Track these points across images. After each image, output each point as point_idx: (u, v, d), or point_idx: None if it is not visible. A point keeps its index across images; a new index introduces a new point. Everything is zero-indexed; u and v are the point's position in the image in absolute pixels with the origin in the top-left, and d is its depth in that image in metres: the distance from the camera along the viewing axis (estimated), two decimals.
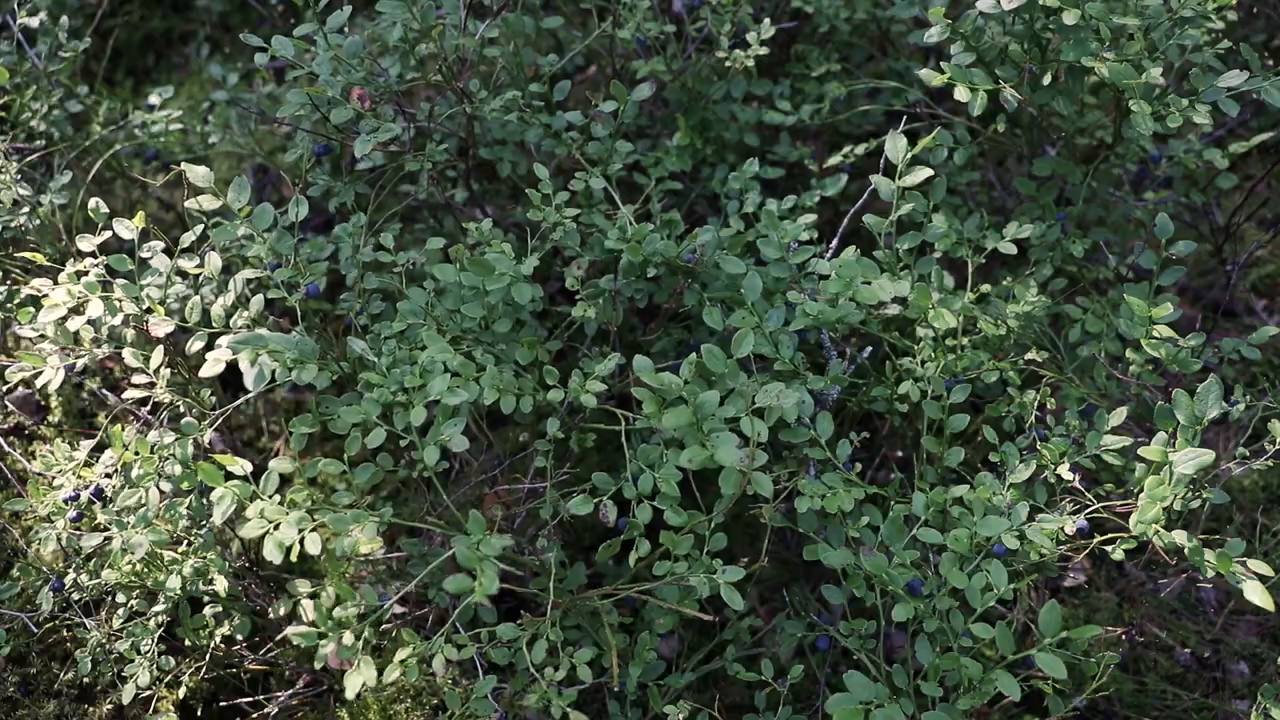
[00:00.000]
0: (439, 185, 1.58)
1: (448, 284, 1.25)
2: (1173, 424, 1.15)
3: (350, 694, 1.10)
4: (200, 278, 1.38)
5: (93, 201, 1.32)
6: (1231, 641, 1.49)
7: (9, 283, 1.45)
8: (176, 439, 1.27)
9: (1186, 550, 1.09)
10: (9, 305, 1.41)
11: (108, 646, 1.35)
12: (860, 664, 1.25)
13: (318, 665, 1.16)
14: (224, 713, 1.48)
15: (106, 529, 1.27)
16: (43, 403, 1.74)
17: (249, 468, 1.19)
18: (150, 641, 1.33)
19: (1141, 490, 1.13)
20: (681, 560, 1.17)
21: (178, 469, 1.25)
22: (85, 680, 1.45)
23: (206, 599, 1.38)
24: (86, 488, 1.29)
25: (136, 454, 1.25)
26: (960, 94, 1.27)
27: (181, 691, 1.40)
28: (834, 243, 1.41)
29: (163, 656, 1.35)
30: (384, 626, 1.50)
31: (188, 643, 1.37)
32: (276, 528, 1.15)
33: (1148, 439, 1.17)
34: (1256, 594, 1.05)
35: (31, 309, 1.31)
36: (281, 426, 1.77)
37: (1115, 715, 1.43)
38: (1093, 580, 1.55)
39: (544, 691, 1.16)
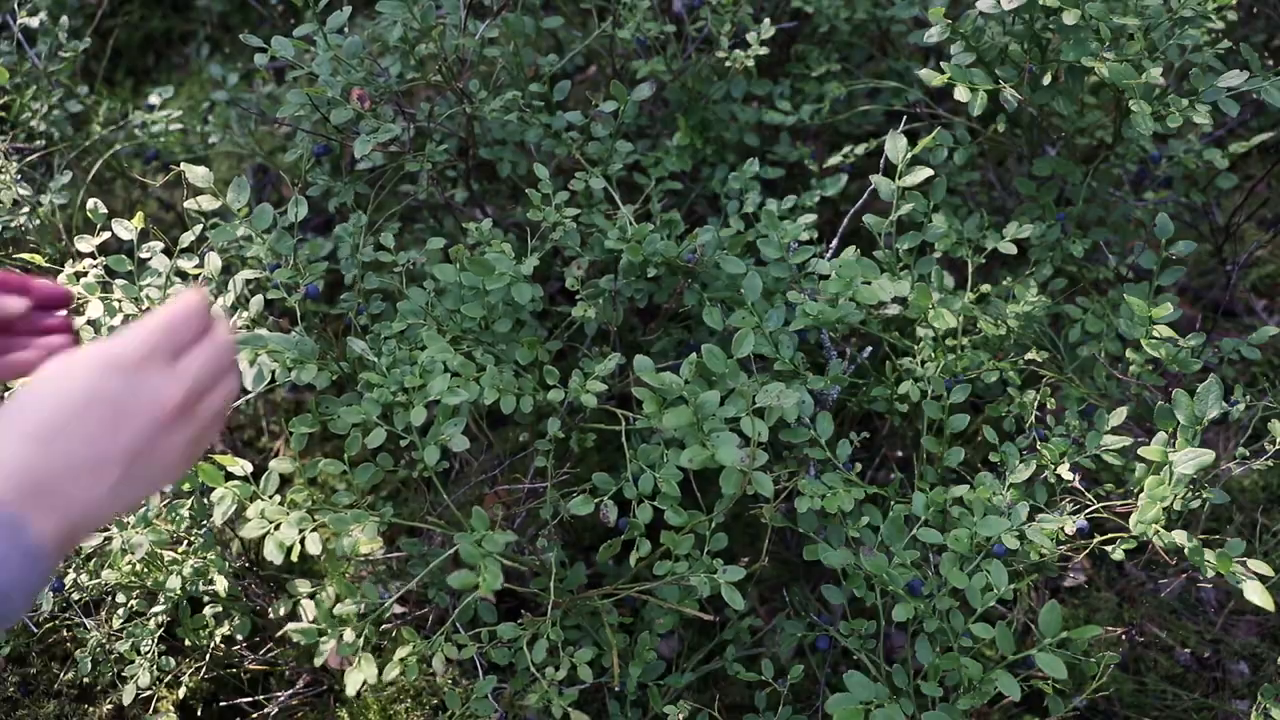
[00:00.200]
0: (439, 185, 1.58)
1: (448, 284, 1.25)
2: (1173, 424, 1.15)
3: (351, 691, 1.10)
4: (199, 278, 1.38)
5: (91, 202, 1.32)
6: (1231, 641, 1.49)
7: None
8: None
9: (1186, 550, 1.09)
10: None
11: (108, 646, 1.35)
12: (860, 664, 1.25)
13: (317, 663, 1.16)
14: (224, 713, 1.48)
15: (106, 529, 1.27)
16: None
17: (249, 468, 1.19)
18: (150, 641, 1.33)
19: (1141, 490, 1.13)
20: (682, 560, 1.17)
21: None
22: (85, 680, 1.45)
23: (206, 599, 1.38)
24: None
25: None
26: (960, 94, 1.27)
27: (181, 691, 1.40)
28: (834, 243, 1.41)
29: (163, 656, 1.35)
30: (384, 626, 1.51)
31: (188, 643, 1.37)
32: (277, 528, 1.15)
33: (1148, 439, 1.17)
34: (1256, 594, 1.05)
35: None
36: (281, 427, 1.77)
37: (1115, 715, 1.43)
38: (1093, 580, 1.55)
39: (544, 691, 1.16)
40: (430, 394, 1.14)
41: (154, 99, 1.85)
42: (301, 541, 1.15)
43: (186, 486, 1.29)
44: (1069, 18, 1.21)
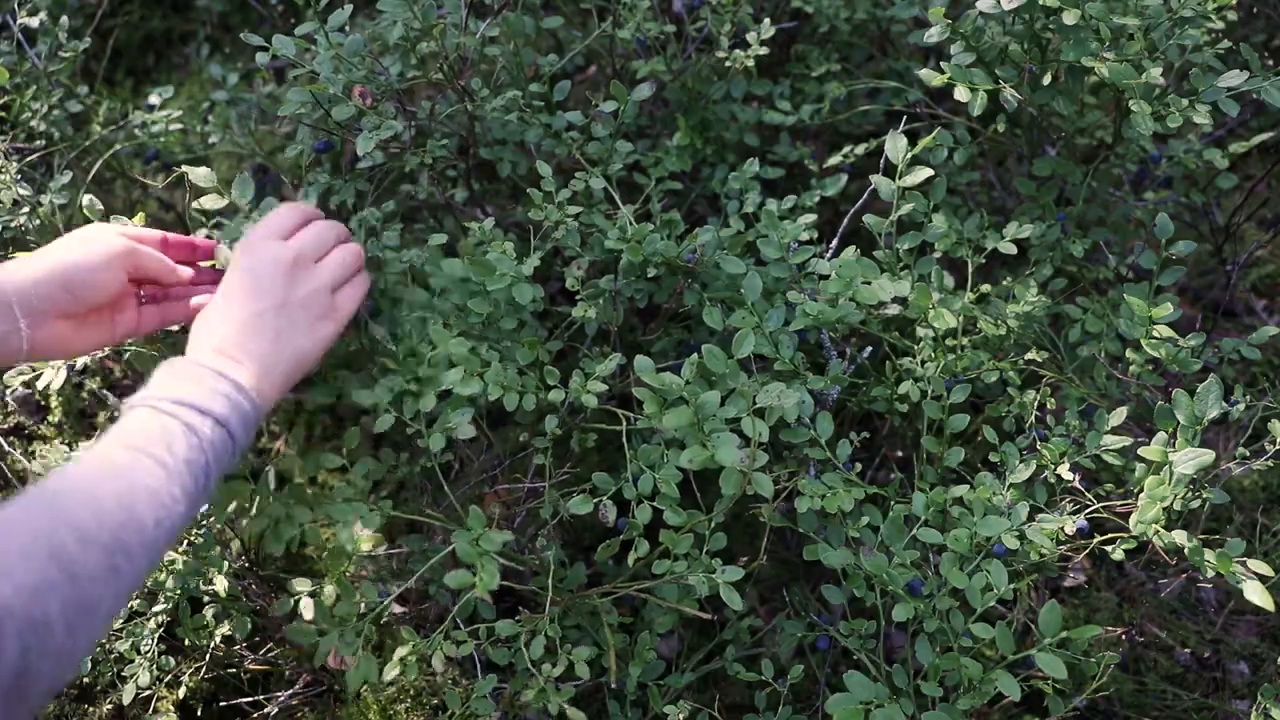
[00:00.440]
0: (439, 185, 1.58)
1: (454, 279, 1.26)
2: (1173, 424, 1.15)
3: (352, 691, 1.11)
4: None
5: (87, 199, 1.32)
6: (1231, 641, 1.49)
7: None
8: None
9: (1186, 550, 1.09)
10: None
11: (108, 646, 1.35)
12: (860, 664, 1.25)
13: (318, 663, 1.16)
14: (224, 713, 1.48)
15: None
16: (43, 403, 1.74)
17: (249, 468, 1.20)
18: (150, 641, 1.33)
19: (1141, 490, 1.13)
20: (681, 559, 1.17)
21: None
22: (85, 680, 1.45)
23: (206, 599, 1.38)
24: None
25: None
26: (960, 94, 1.27)
27: (181, 691, 1.40)
28: (834, 243, 1.41)
29: (163, 656, 1.35)
30: (383, 622, 1.51)
31: (188, 643, 1.38)
32: (278, 523, 1.15)
33: (1148, 439, 1.17)
34: (1256, 594, 1.05)
35: None
36: (281, 427, 1.77)
37: (1115, 715, 1.43)
38: (1093, 580, 1.55)
39: (542, 688, 1.16)
40: (443, 384, 1.15)
41: (154, 99, 1.85)
42: (302, 537, 1.16)
43: None
44: (1069, 18, 1.21)
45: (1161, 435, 1.16)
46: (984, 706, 1.36)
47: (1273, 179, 1.84)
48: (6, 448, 1.58)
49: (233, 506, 1.18)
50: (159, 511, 0.84)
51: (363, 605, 1.19)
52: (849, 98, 1.71)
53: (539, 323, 1.45)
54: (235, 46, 2.31)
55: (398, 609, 1.53)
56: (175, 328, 1.22)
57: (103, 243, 1.05)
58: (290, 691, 1.47)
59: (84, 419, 1.74)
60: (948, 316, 1.27)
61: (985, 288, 1.38)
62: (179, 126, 1.81)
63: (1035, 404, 1.33)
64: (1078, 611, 1.51)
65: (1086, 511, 1.22)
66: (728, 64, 1.55)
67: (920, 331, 1.34)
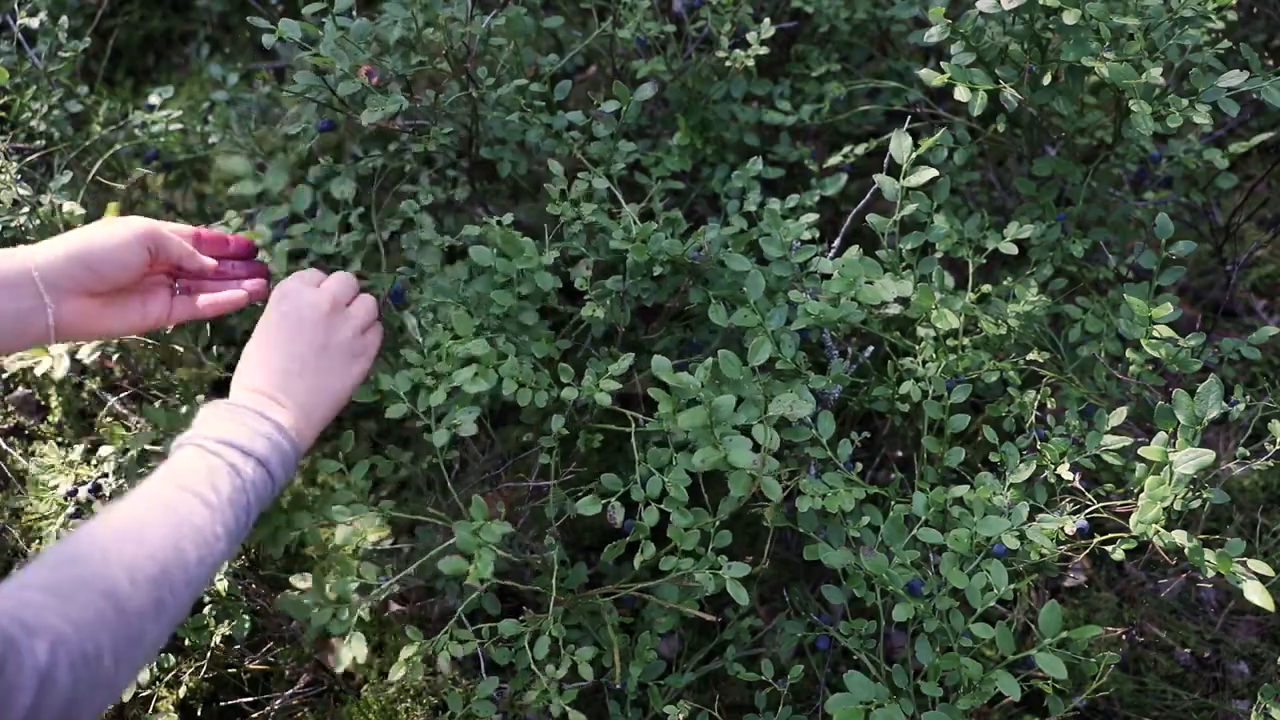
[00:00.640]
0: (440, 185, 1.58)
1: (481, 266, 1.26)
2: (1173, 424, 1.15)
3: (340, 669, 1.12)
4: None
5: (67, 206, 1.32)
6: (1231, 641, 1.49)
7: None
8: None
9: (1186, 550, 1.09)
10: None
11: None
12: (860, 664, 1.25)
13: (308, 643, 1.16)
14: (224, 713, 1.48)
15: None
16: (43, 403, 1.74)
17: None
18: None
19: (1141, 490, 1.13)
20: (688, 556, 1.17)
21: None
22: None
23: (207, 599, 1.38)
24: (83, 484, 1.29)
25: (128, 450, 1.26)
26: (960, 94, 1.27)
27: (181, 691, 1.40)
28: (836, 242, 1.41)
29: (163, 656, 1.35)
30: (385, 619, 1.51)
31: (188, 643, 1.37)
32: (278, 530, 1.15)
33: (1148, 439, 1.17)
34: (1256, 594, 1.05)
35: None
36: None
37: (1115, 715, 1.43)
38: (1093, 580, 1.55)
39: (544, 689, 1.16)
40: (455, 381, 1.17)
41: (154, 99, 1.84)
42: (302, 539, 1.16)
43: None
44: (1069, 18, 1.21)
45: (1161, 435, 1.16)
46: (984, 706, 1.36)
47: (1273, 179, 1.84)
48: (6, 447, 1.58)
49: None
50: (203, 549, 0.89)
51: (358, 584, 1.19)
52: (849, 98, 1.71)
53: (545, 321, 1.46)
54: (235, 46, 2.31)
55: (399, 607, 1.53)
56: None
57: (125, 224, 1.08)
58: (290, 691, 1.47)
59: (84, 419, 1.74)
60: (949, 316, 1.27)
61: (986, 288, 1.38)
62: (179, 126, 1.81)
63: (1035, 404, 1.33)
64: (1078, 611, 1.51)
65: (1086, 511, 1.22)
66: (728, 64, 1.55)
67: (921, 331, 1.34)
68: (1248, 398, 1.34)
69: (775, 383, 1.19)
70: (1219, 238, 1.70)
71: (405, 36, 1.35)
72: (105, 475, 1.30)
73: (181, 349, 1.38)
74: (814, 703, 1.39)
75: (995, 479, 1.26)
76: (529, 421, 1.36)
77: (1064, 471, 1.25)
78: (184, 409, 1.32)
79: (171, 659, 1.36)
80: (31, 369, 1.31)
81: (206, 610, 1.39)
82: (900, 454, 1.61)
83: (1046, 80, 1.31)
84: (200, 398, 1.39)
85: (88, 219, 1.29)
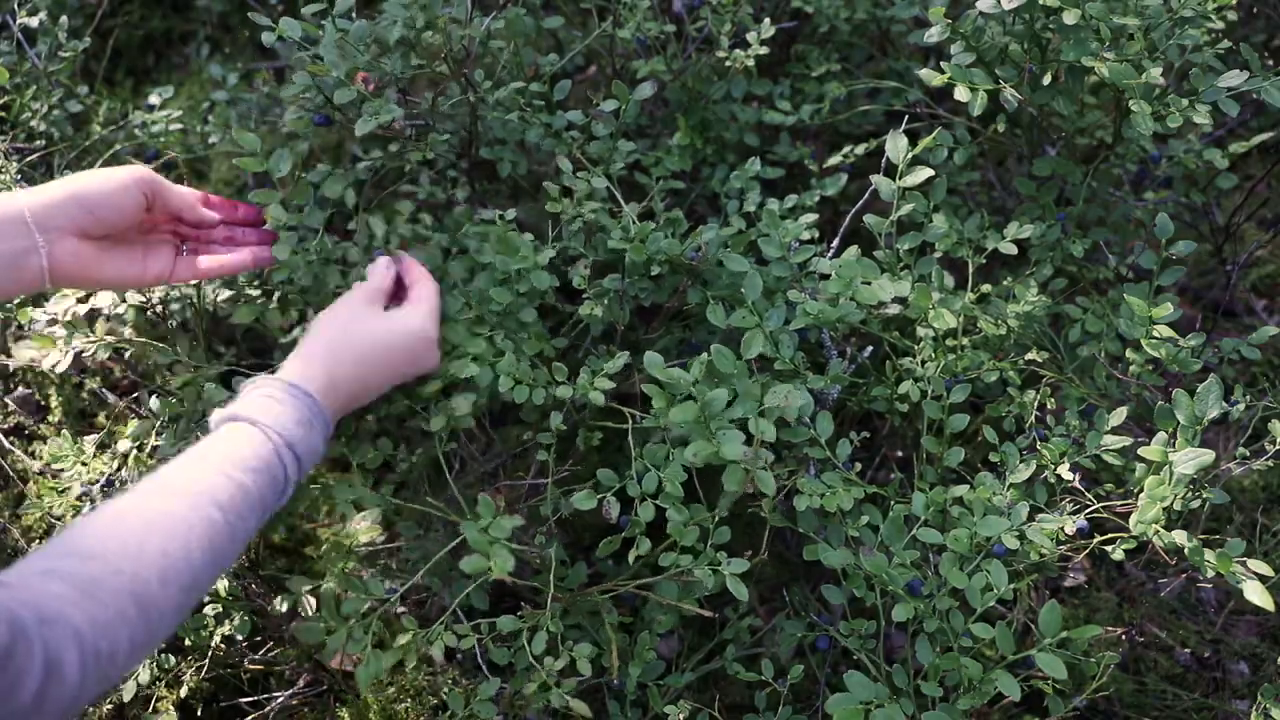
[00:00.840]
0: (440, 185, 1.58)
1: (485, 263, 1.27)
2: (1173, 424, 1.15)
3: (364, 689, 1.11)
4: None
5: None
6: (1231, 641, 1.49)
7: None
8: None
9: (1186, 550, 1.09)
10: (8, 305, 1.42)
11: None
12: (860, 664, 1.25)
13: (327, 661, 1.17)
14: (224, 713, 1.48)
15: None
16: (43, 403, 1.74)
17: None
18: None
19: (1141, 490, 1.13)
20: (687, 553, 1.17)
21: None
22: None
23: (207, 599, 1.38)
24: (95, 483, 1.29)
25: (139, 448, 1.26)
26: (960, 94, 1.27)
27: (182, 691, 1.40)
28: (835, 242, 1.41)
29: (163, 655, 1.35)
30: (385, 615, 1.51)
31: (188, 642, 1.38)
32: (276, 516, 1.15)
33: (1148, 439, 1.17)
34: (1256, 594, 1.05)
35: (30, 308, 1.31)
36: None
37: (1115, 715, 1.43)
38: (1093, 580, 1.55)
39: (544, 681, 1.16)
40: (451, 370, 1.18)
41: (154, 99, 1.85)
42: (303, 536, 1.16)
43: None
44: (1069, 18, 1.21)
45: (1161, 435, 1.16)
46: (984, 706, 1.36)
47: (1273, 179, 1.84)
48: (7, 447, 1.58)
49: None
50: (236, 546, 0.90)
51: (369, 604, 1.19)
52: (849, 98, 1.71)
53: (544, 321, 1.46)
54: (235, 46, 2.31)
55: (399, 609, 1.53)
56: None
57: (124, 169, 1.07)
58: (290, 691, 1.47)
59: (84, 419, 1.74)
60: (948, 316, 1.27)
61: (986, 288, 1.38)
62: (179, 126, 1.81)
63: (1035, 404, 1.33)
64: (1078, 611, 1.51)
65: (1086, 511, 1.22)
66: (728, 64, 1.55)
67: (920, 331, 1.34)
68: (1248, 398, 1.34)
69: (774, 383, 1.19)
70: (1219, 238, 1.70)
71: (405, 36, 1.34)
72: (118, 470, 1.30)
73: (186, 357, 1.38)
74: (814, 703, 1.39)
75: (995, 479, 1.26)
76: (528, 419, 1.36)
77: (1064, 471, 1.25)
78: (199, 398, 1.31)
79: (171, 659, 1.36)
80: (33, 368, 1.31)
81: (206, 610, 1.39)
82: (900, 454, 1.61)
83: (1046, 80, 1.31)
84: (207, 386, 1.39)
85: None
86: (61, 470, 1.31)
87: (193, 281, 1.23)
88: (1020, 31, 1.33)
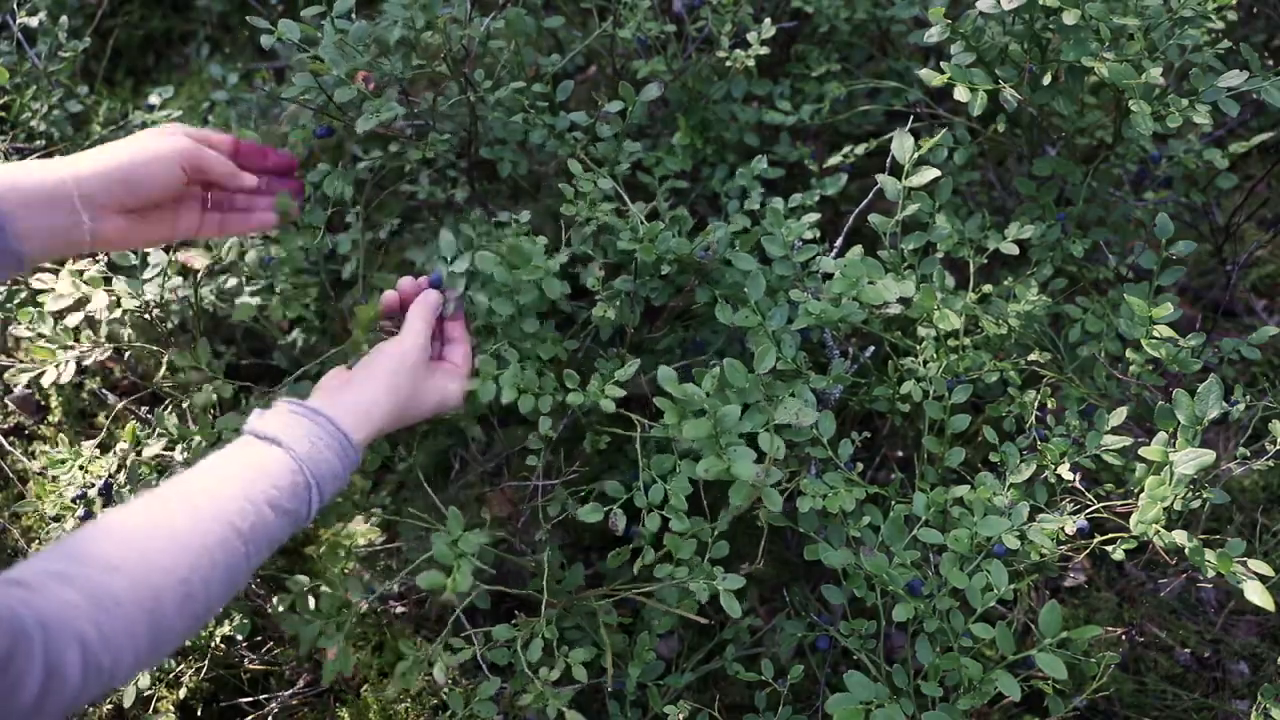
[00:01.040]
0: (439, 185, 1.58)
1: (488, 273, 1.26)
2: (1173, 424, 1.15)
3: (327, 680, 1.12)
4: (198, 276, 1.38)
5: None
6: (1231, 641, 1.49)
7: (9, 283, 1.45)
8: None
9: (1186, 550, 1.09)
10: (9, 305, 1.41)
11: None
12: (860, 664, 1.25)
13: (301, 654, 1.17)
14: (224, 713, 1.48)
15: None
16: (43, 403, 1.74)
17: None
18: None
19: (1141, 490, 1.13)
20: (683, 565, 1.17)
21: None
22: None
23: None
24: (92, 485, 1.29)
25: (140, 450, 1.26)
26: (960, 94, 1.27)
27: (182, 691, 1.40)
28: (838, 242, 1.41)
29: None
30: (384, 622, 1.50)
31: (188, 643, 1.38)
32: None
33: (1148, 439, 1.17)
34: (1256, 594, 1.05)
35: (31, 308, 1.31)
36: None
37: (1115, 715, 1.43)
38: (1093, 580, 1.55)
39: (540, 692, 1.16)
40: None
41: (154, 99, 1.84)
42: (304, 537, 1.16)
43: None
44: (1069, 18, 1.21)
45: (1162, 435, 1.16)
46: (984, 706, 1.36)
47: (1273, 179, 1.84)
48: (7, 447, 1.58)
49: None
50: (248, 578, 0.90)
51: (363, 604, 1.19)
52: (849, 98, 1.71)
53: (552, 323, 1.46)
54: (235, 46, 2.31)
55: (400, 609, 1.53)
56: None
57: (166, 142, 1.07)
58: (290, 691, 1.47)
59: (84, 419, 1.74)
60: (950, 317, 1.27)
61: (986, 288, 1.38)
62: None
63: (1035, 404, 1.33)
64: (1078, 611, 1.51)
65: (1086, 511, 1.22)
66: (728, 64, 1.55)
67: (922, 331, 1.34)
68: (1248, 398, 1.34)
69: (776, 383, 1.19)
70: (1219, 238, 1.70)
71: (405, 36, 1.34)
72: (115, 475, 1.30)
73: (189, 365, 1.38)
74: (814, 703, 1.39)
75: (995, 479, 1.26)
76: (534, 419, 1.37)
77: (1064, 471, 1.25)
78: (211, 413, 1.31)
79: (172, 660, 1.36)
80: (37, 379, 1.31)
81: None
82: (901, 454, 1.61)
83: (1046, 80, 1.31)
84: (204, 390, 1.39)
85: None
86: (58, 476, 1.31)
87: (218, 237, 1.22)
88: (1020, 31, 1.33)
